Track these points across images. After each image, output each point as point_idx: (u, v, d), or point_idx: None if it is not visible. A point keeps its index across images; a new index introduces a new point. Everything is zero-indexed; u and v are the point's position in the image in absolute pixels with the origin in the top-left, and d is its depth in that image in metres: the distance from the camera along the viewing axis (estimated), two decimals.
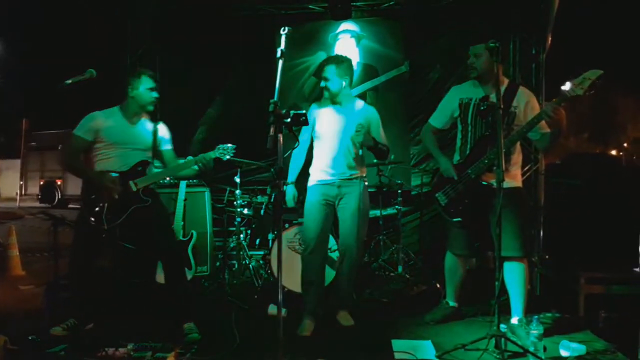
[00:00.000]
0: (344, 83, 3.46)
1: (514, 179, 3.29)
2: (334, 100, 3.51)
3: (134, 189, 3.23)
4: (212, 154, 3.30)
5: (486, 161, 3.16)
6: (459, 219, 3.34)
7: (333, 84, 3.45)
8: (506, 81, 3.27)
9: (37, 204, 17.25)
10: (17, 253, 5.41)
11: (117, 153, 3.25)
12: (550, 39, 4.90)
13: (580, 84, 2.82)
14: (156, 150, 3.41)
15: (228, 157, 3.34)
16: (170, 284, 3.33)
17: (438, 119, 3.51)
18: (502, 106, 2.88)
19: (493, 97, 3.10)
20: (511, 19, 5.10)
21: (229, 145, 3.35)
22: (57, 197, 17.18)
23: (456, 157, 3.44)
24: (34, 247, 6.43)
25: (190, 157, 3.38)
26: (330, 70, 3.44)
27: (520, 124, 3.17)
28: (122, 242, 3.46)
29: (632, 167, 3.87)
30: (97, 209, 3.15)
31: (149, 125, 3.40)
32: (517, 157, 3.34)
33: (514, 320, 3.28)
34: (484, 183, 3.21)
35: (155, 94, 3.33)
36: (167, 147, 3.47)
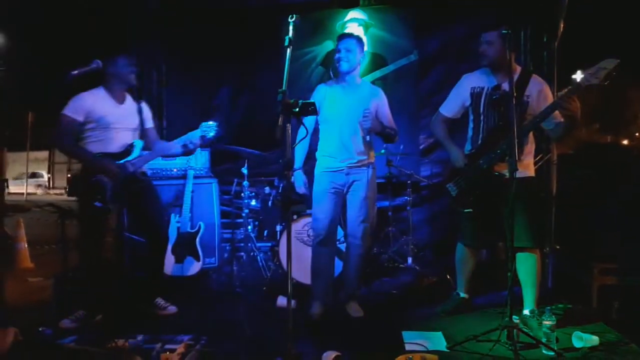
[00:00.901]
0: (359, 61, 3.42)
1: (527, 168, 3.23)
2: (342, 80, 3.44)
3: (131, 169, 3.28)
4: (197, 133, 3.41)
5: (499, 151, 3.09)
6: (470, 209, 3.28)
7: (350, 57, 3.38)
8: (518, 69, 3.18)
9: (65, 198, 17.18)
10: (26, 245, 5.43)
11: (110, 135, 3.28)
12: (562, 26, 4.81)
13: (595, 74, 2.74)
14: (143, 130, 3.47)
15: (212, 134, 3.43)
16: (155, 262, 3.50)
17: (449, 108, 3.42)
18: (515, 95, 2.80)
19: (505, 86, 3.05)
20: (522, 6, 5.01)
21: (212, 122, 3.45)
22: None
23: (468, 147, 3.37)
24: (42, 239, 6.46)
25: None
26: (351, 43, 3.38)
27: (533, 113, 3.09)
28: (125, 224, 3.49)
29: None
30: (99, 190, 3.16)
31: (134, 104, 3.45)
32: (530, 146, 3.27)
33: (526, 311, 3.24)
34: (496, 173, 3.15)
35: (134, 68, 3.38)
36: (150, 125, 3.55)
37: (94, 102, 3.26)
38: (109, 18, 5.26)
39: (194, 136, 3.41)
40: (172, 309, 3.55)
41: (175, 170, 4.55)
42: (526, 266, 3.20)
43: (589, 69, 2.77)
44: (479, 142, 3.25)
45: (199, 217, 4.38)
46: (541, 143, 4.99)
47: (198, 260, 4.22)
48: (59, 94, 3.22)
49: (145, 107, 3.53)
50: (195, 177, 4.44)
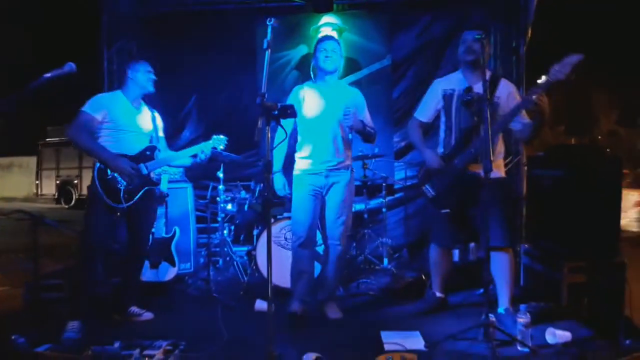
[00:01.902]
0: (340, 63, 3.47)
1: (499, 169, 3.32)
2: (321, 81, 3.47)
3: (145, 172, 3.37)
4: (209, 144, 3.50)
5: (472, 150, 3.16)
6: (448, 210, 3.33)
7: (332, 61, 3.40)
8: (488, 73, 3.24)
9: (53, 205, 16.55)
10: None
11: (124, 137, 3.35)
12: (530, 32, 4.96)
13: (561, 69, 2.84)
14: (155, 137, 3.55)
15: (222, 147, 3.53)
16: (133, 270, 3.56)
17: (424, 113, 3.49)
18: (489, 97, 2.89)
19: (477, 88, 3.15)
20: (492, 12, 5.14)
21: (222, 136, 3.54)
22: (74, 198, 16.25)
23: (440, 149, 3.44)
24: (7, 248, 6.27)
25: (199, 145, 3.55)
26: (333, 46, 3.40)
27: (503, 115, 3.18)
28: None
29: (612, 158, 3.92)
30: (114, 189, 3.25)
31: (148, 112, 3.54)
32: (500, 147, 3.36)
33: (501, 309, 3.31)
34: (470, 173, 3.22)
35: (152, 76, 3.47)
36: (162, 134, 3.65)
37: (112, 103, 3.35)
38: (81, 20, 5.16)
39: (206, 147, 3.49)
40: (148, 315, 3.53)
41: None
42: (500, 265, 3.27)
43: (555, 65, 2.87)
44: (452, 142, 3.31)
45: (174, 222, 4.31)
46: (511, 145, 5.15)
47: (174, 265, 4.15)
48: (27, 97, 3.08)
49: (158, 116, 3.62)
50: (170, 181, 4.37)
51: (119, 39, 5.44)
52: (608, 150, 4.58)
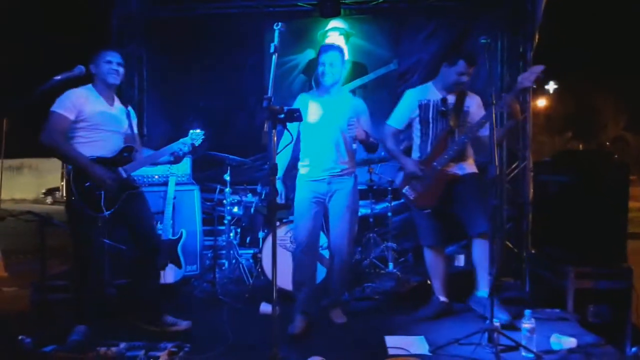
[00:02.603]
0: (344, 72, 3.50)
1: (472, 165, 3.59)
2: (324, 91, 3.48)
3: (124, 175, 3.17)
4: (187, 140, 3.36)
5: (451, 153, 3.42)
6: (429, 209, 3.53)
7: (334, 72, 3.41)
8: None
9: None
10: (0, 255, 5.31)
11: (101, 136, 3.14)
12: (537, 37, 4.96)
13: (528, 77, 3.23)
14: (130, 135, 3.37)
15: (200, 142, 3.41)
16: (150, 274, 3.34)
17: (398, 121, 3.67)
18: (494, 102, 3.02)
19: (450, 99, 3.52)
20: (499, 17, 5.14)
21: (199, 130, 3.42)
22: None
23: (415, 154, 3.63)
24: (16, 248, 6.32)
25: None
26: (335, 57, 3.41)
27: (472, 121, 3.46)
28: (117, 231, 3.45)
29: (620, 164, 3.91)
30: (93, 197, 3.04)
31: (122, 108, 3.34)
32: (469, 148, 3.59)
33: (483, 292, 3.40)
34: (447, 172, 3.46)
35: (114, 67, 3.17)
36: (136, 131, 3.47)
37: (85, 100, 3.09)
38: (91, 21, 5.21)
39: (184, 144, 3.35)
40: (186, 324, 3.30)
41: (156, 177, 4.51)
42: (482, 250, 3.37)
43: (523, 74, 3.31)
44: (429, 148, 3.54)
45: (181, 224, 4.35)
46: (517, 151, 5.15)
47: (180, 267, 4.18)
48: (38, 100, 3.09)
49: (132, 112, 3.43)
50: (177, 183, 4.41)
51: (129, 43, 5.49)
52: (615, 156, 4.54)
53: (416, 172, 3.49)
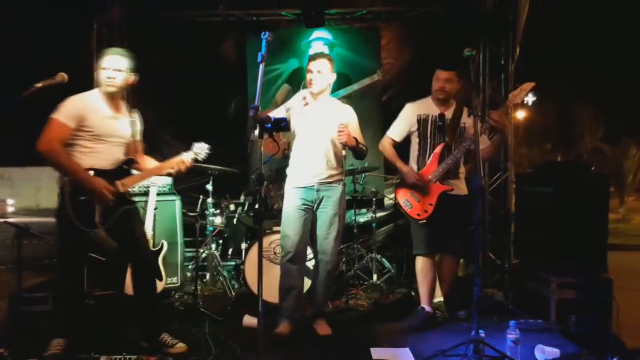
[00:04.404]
0: (332, 79, 3.48)
1: (463, 187, 3.70)
2: (312, 98, 3.46)
3: (121, 190, 3.00)
4: (190, 155, 3.19)
5: (445, 166, 3.55)
6: (424, 220, 3.59)
7: (323, 78, 3.41)
8: (454, 103, 3.69)
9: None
10: None
11: (102, 147, 2.97)
12: (518, 50, 5.04)
13: (518, 94, 3.37)
14: (133, 143, 3.18)
15: (204, 156, 3.24)
16: (147, 291, 3.19)
17: (397, 133, 3.78)
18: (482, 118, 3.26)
19: (448, 114, 3.63)
20: (480, 30, 5.21)
21: (203, 143, 3.24)
22: None
23: (413, 167, 3.73)
24: None
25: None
26: (323, 64, 3.40)
27: (468, 137, 3.55)
28: (107, 244, 3.20)
29: (600, 175, 4.00)
30: (88, 212, 2.89)
31: (127, 115, 3.14)
32: (463, 167, 3.72)
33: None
34: (443, 185, 3.57)
35: (110, 74, 2.96)
36: (140, 138, 3.26)
37: (88, 108, 2.92)
38: (73, 28, 5.12)
39: (187, 158, 3.17)
40: (182, 345, 3.11)
41: (136, 187, 4.42)
42: (449, 267, 3.78)
43: (514, 91, 3.43)
44: (426, 161, 3.65)
45: (162, 235, 4.27)
46: (499, 162, 5.20)
47: (160, 279, 4.10)
48: (16, 107, 2.99)
49: (138, 117, 3.24)
50: (158, 194, 4.33)
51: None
52: (592, 168, 4.65)
53: (411, 181, 3.58)
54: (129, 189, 3.11)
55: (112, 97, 3.03)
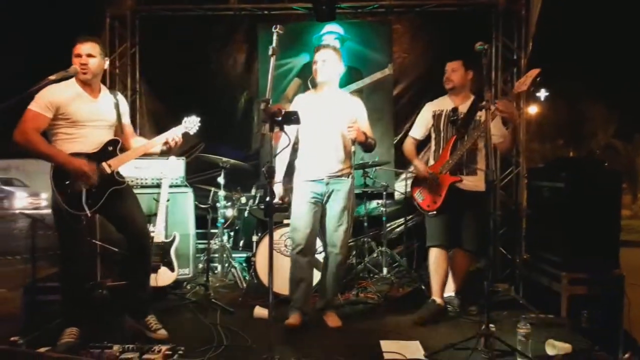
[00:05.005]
0: (337, 71, 3.46)
1: (479, 183, 3.58)
2: (321, 91, 3.47)
3: (108, 171, 3.00)
4: (180, 129, 3.22)
5: (455, 158, 3.54)
6: (435, 212, 3.63)
7: (327, 68, 3.40)
8: (472, 97, 3.71)
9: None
10: None
11: (84, 132, 2.99)
12: (531, 44, 5.00)
13: (524, 82, 3.31)
14: (119, 125, 3.19)
15: (195, 130, 3.27)
16: (140, 271, 3.21)
17: (417, 132, 3.89)
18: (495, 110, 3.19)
19: (462, 108, 3.65)
20: (493, 24, 5.18)
21: (194, 116, 3.27)
22: None
23: (431, 162, 3.79)
24: (4, 250, 6.25)
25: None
26: (329, 54, 3.41)
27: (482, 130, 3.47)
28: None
29: (612, 171, 3.97)
30: (75, 195, 2.90)
31: (110, 97, 3.15)
32: (482, 163, 3.65)
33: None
34: (454, 178, 3.57)
35: (83, 60, 2.96)
36: (127, 121, 3.28)
37: (65, 96, 2.93)
38: (85, 21, 5.16)
39: (177, 132, 3.18)
40: (163, 332, 3.17)
41: (149, 179, 4.47)
42: (462, 262, 3.76)
43: (520, 79, 3.38)
44: (440, 154, 3.71)
45: (174, 227, 4.31)
46: (511, 157, 5.17)
47: (172, 270, 4.14)
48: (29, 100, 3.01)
49: (122, 99, 3.25)
50: (170, 186, 4.37)
51: (122, 42, 5.46)
52: (605, 164, 4.61)
53: (425, 175, 3.66)
54: (117, 169, 3.10)
55: (88, 83, 3.04)
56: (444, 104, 3.77)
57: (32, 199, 17.82)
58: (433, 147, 3.81)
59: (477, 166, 3.64)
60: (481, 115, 3.57)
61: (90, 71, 2.99)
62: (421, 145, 4.12)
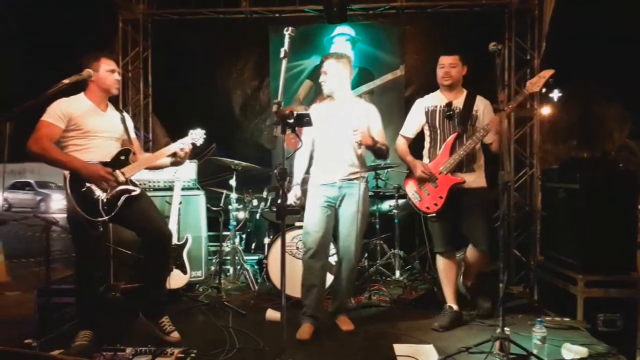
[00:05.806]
0: (343, 79, 3.45)
1: (480, 179, 3.54)
2: (332, 98, 3.47)
3: (122, 178, 3.06)
4: (187, 140, 3.30)
5: (457, 157, 3.42)
6: (434, 214, 3.51)
7: (332, 79, 3.42)
8: (464, 91, 3.60)
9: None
10: (3, 259, 5.29)
11: (95, 143, 3.07)
12: (545, 45, 4.95)
13: (536, 82, 3.24)
14: (127, 140, 3.28)
15: (201, 141, 3.35)
16: (159, 272, 3.24)
17: (409, 130, 3.73)
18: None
19: (456, 103, 3.53)
20: (506, 24, 5.14)
21: (199, 129, 3.35)
22: None
23: (425, 160, 3.64)
24: (19, 253, 6.30)
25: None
26: (331, 65, 3.42)
27: (482, 127, 3.42)
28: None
29: (628, 172, 3.90)
30: (91, 202, 2.94)
31: (116, 114, 3.26)
32: (481, 160, 3.58)
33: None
34: (455, 178, 3.44)
35: (117, 77, 3.16)
36: (134, 135, 3.38)
37: (76, 108, 3.03)
38: (97, 26, 5.22)
39: (183, 144, 3.28)
40: (176, 335, 3.19)
41: (161, 182, 4.49)
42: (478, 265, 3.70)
43: (532, 79, 3.29)
44: (437, 152, 3.55)
45: (186, 230, 4.32)
46: (525, 159, 5.12)
47: (185, 273, 4.15)
48: (44, 103, 3.05)
49: (127, 116, 3.37)
50: (183, 189, 4.39)
51: (134, 46, 5.51)
52: (620, 165, 4.55)
53: (422, 176, 3.50)
54: (131, 177, 3.15)
55: (101, 97, 3.15)
56: (436, 99, 3.63)
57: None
58: (427, 145, 3.67)
59: (475, 164, 3.53)
60: (478, 110, 3.52)
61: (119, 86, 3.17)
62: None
